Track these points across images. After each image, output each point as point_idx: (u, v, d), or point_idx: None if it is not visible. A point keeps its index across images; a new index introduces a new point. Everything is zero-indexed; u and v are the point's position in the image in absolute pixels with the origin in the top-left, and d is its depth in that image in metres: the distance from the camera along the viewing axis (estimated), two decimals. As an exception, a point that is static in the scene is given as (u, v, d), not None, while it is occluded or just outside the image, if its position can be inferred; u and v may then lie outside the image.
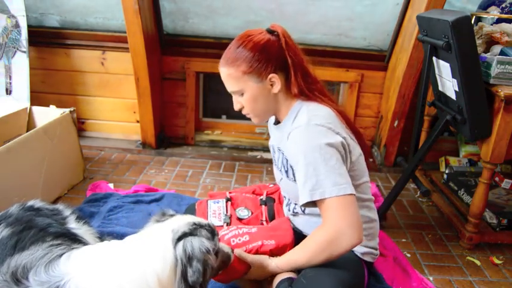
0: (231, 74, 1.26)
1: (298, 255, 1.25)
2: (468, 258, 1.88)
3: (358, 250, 1.37)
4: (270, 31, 1.28)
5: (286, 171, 1.36)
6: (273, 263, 1.28)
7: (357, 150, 1.32)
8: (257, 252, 1.32)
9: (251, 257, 1.29)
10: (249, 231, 1.37)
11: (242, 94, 1.28)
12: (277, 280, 1.36)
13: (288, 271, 1.27)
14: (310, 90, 1.30)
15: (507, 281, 1.74)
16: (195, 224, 1.09)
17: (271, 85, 1.27)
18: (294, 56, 1.28)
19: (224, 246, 1.22)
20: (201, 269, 0.99)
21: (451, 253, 1.91)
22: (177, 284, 0.99)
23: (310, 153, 1.18)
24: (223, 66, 1.27)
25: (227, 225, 1.50)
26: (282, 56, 1.26)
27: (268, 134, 1.57)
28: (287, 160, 1.33)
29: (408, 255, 1.87)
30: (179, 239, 1.02)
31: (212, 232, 1.12)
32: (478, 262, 1.85)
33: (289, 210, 1.49)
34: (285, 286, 1.31)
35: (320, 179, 1.17)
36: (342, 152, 1.23)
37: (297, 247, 1.28)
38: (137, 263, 0.99)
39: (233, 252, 1.25)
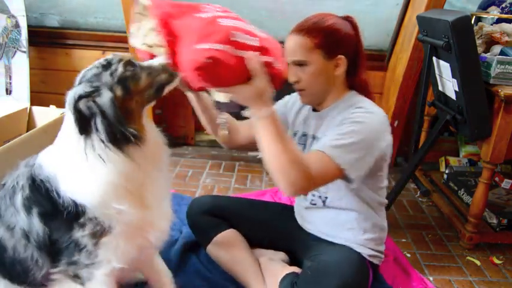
0: (303, 44, 1.24)
1: (285, 135, 1.11)
2: (468, 258, 1.88)
3: (366, 252, 1.39)
4: (345, 18, 1.32)
5: None
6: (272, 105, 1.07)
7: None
8: None
9: (267, 81, 1.02)
10: (257, 33, 1.02)
11: (305, 66, 1.26)
12: (281, 274, 1.39)
13: (263, 126, 1.08)
14: (366, 89, 1.35)
15: (507, 281, 1.74)
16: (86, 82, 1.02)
17: (336, 66, 1.28)
18: (362, 51, 1.33)
19: (154, 64, 1.04)
20: (74, 114, 0.97)
21: (451, 253, 1.91)
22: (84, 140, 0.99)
23: (363, 131, 1.19)
24: (296, 34, 1.26)
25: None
26: (353, 45, 1.30)
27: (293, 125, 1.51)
28: None
29: (408, 255, 1.87)
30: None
31: (107, 65, 1.03)
32: (478, 262, 1.85)
33: (306, 200, 1.48)
34: (290, 278, 1.34)
35: (346, 155, 1.16)
36: (380, 156, 1.25)
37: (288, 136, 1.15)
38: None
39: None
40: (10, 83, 2.50)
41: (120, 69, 1.01)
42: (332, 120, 1.31)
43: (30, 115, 2.36)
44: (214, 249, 1.56)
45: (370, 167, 1.23)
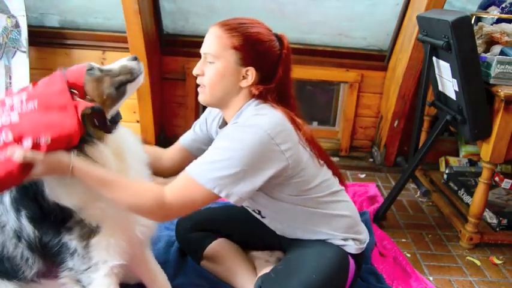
0: (221, 38, 1.18)
1: (111, 177, 1.05)
2: (468, 258, 1.88)
3: (336, 243, 1.33)
4: (277, 36, 1.25)
5: None
6: (72, 161, 1.00)
7: (304, 158, 1.23)
8: None
9: (46, 158, 0.95)
10: (8, 123, 0.95)
11: (213, 62, 1.20)
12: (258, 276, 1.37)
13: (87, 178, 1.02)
14: (269, 98, 1.21)
15: (507, 281, 1.74)
16: None
17: (243, 77, 1.20)
18: (284, 74, 1.23)
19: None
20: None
21: (451, 253, 1.91)
22: None
23: (230, 147, 1.10)
24: (218, 28, 1.21)
25: None
26: (273, 64, 1.22)
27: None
28: None
29: (408, 255, 1.87)
30: None
31: None
32: (478, 262, 1.85)
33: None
34: (258, 283, 1.31)
35: (211, 172, 1.09)
36: (279, 170, 1.15)
37: (112, 173, 1.06)
38: None
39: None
40: (10, 83, 2.50)
41: None
42: None
43: (30, 115, 2.36)
44: (207, 264, 1.55)
45: (257, 186, 1.13)
